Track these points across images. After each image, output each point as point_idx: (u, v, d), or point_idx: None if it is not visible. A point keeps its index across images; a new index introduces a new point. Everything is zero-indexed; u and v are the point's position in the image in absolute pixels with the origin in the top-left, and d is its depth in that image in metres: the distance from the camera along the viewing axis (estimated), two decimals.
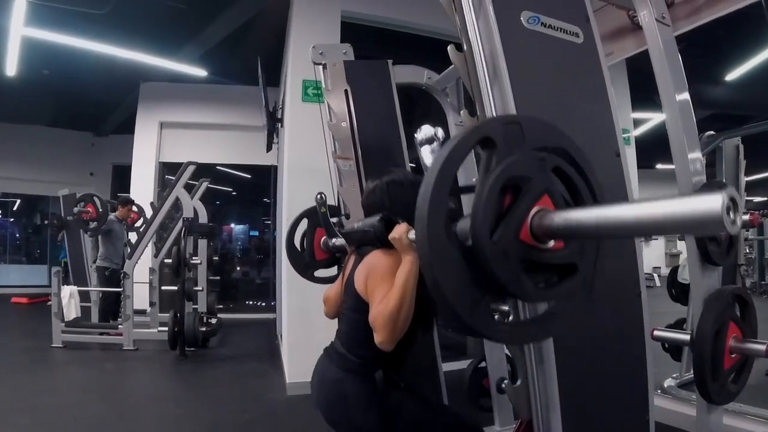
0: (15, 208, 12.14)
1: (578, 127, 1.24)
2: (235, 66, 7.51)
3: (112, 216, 6.54)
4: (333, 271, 2.87)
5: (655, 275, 10.87)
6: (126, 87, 8.37)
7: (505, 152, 0.88)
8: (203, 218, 6.51)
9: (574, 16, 1.40)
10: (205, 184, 7.09)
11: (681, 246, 10.96)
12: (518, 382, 1.25)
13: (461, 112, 1.33)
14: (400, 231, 1.49)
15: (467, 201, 0.92)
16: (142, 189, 8.19)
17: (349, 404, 1.64)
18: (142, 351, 5.57)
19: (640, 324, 1.40)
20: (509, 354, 2.74)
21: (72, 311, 5.80)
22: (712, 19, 2.53)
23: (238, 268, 11.45)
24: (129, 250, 6.21)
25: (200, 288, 6.09)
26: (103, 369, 4.91)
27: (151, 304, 6.54)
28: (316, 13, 4.60)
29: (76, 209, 6.39)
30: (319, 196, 2.60)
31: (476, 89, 1.35)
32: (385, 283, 1.52)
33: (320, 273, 2.92)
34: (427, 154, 2.84)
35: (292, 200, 4.31)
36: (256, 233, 12.25)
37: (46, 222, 9.79)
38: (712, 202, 0.57)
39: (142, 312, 6.41)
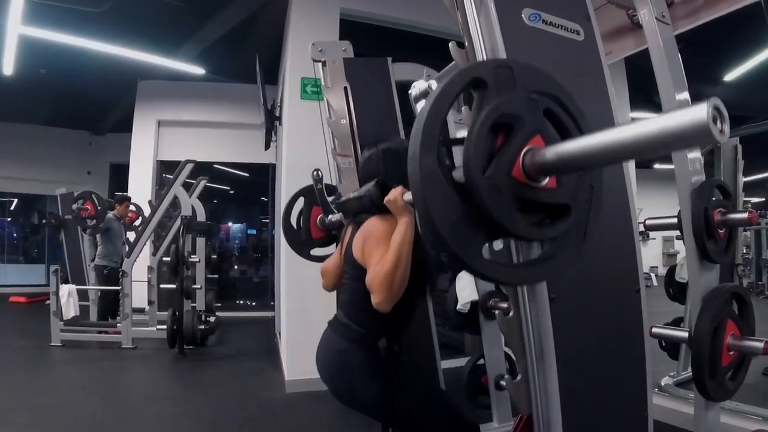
0: (12, 208, 12.11)
1: None
2: (234, 64, 7.49)
3: (110, 214, 6.52)
4: (330, 250, 2.88)
5: (653, 275, 10.88)
6: (123, 85, 8.34)
7: (496, 94, 0.89)
8: (201, 216, 6.50)
9: (575, 13, 1.41)
10: (203, 183, 7.09)
11: (678, 246, 10.97)
12: (518, 378, 1.25)
13: (462, 109, 1.34)
14: (395, 193, 1.52)
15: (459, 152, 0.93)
16: (140, 188, 8.17)
17: (352, 375, 1.66)
18: (140, 349, 5.57)
19: (639, 321, 1.41)
20: (507, 351, 2.77)
21: (71, 310, 5.80)
22: (711, 19, 2.54)
23: (236, 267, 11.45)
24: (128, 248, 6.21)
25: (199, 286, 6.08)
26: (102, 367, 4.90)
27: (150, 302, 6.54)
28: (314, 11, 4.60)
29: (74, 206, 6.38)
30: (315, 172, 2.58)
31: None
32: (382, 246, 1.54)
33: (317, 252, 2.91)
34: None
35: None
36: (254, 232, 12.25)
37: (43, 221, 9.77)
38: (697, 113, 0.58)
39: (141, 310, 6.40)
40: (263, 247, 10.97)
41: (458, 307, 2.76)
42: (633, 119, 0.75)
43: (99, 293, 6.47)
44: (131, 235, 6.83)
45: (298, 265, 4.32)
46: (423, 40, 5.03)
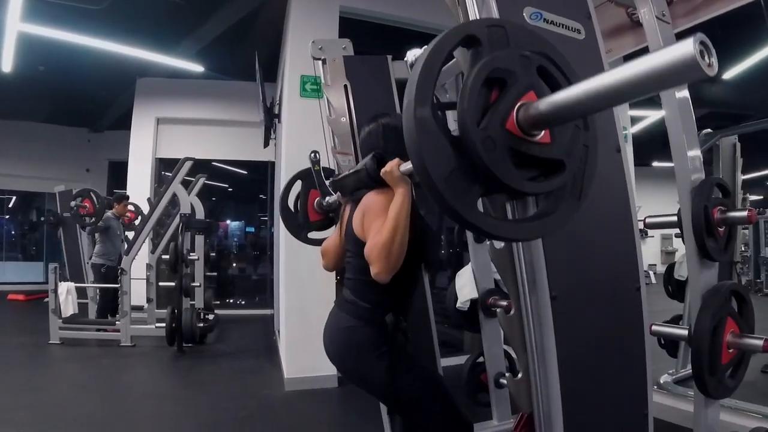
0: (11, 205, 12.11)
1: None
2: (233, 62, 7.49)
3: (109, 213, 6.54)
4: (327, 234, 2.88)
5: (651, 272, 10.90)
6: (122, 83, 8.34)
7: (489, 51, 0.90)
8: (200, 214, 6.51)
9: (576, 12, 1.41)
10: (202, 180, 7.09)
11: (676, 243, 10.99)
12: (519, 376, 1.26)
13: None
14: (392, 164, 1.54)
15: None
16: (139, 185, 8.18)
17: (360, 352, 1.67)
18: (139, 347, 5.58)
19: (639, 319, 1.41)
20: (507, 349, 2.77)
21: (69, 308, 5.80)
22: (710, 18, 2.54)
23: (234, 265, 11.46)
24: (126, 246, 6.21)
25: (197, 284, 6.09)
26: (101, 365, 4.91)
27: (149, 300, 6.54)
28: (314, 9, 4.59)
29: (73, 203, 6.38)
30: (312, 154, 2.57)
31: None
32: (380, 218, 1.55)
33: (314, 235, 2.90)
34: None
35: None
36: (253, 229, 12.25)
37: (42, 219, 9.77)
38: (685, 47, 0.59)
39: (140, 308, 6.40)
40: (262, 245, 10.99)
41: (458, 304, 2.76)
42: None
43: (98, 292, 6.47)
44: (130, 235, 6.83)
45: (298, 263, 4.34)
46: (423, 38, 5.01)
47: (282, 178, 4.66)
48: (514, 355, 2.58)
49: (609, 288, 1.37)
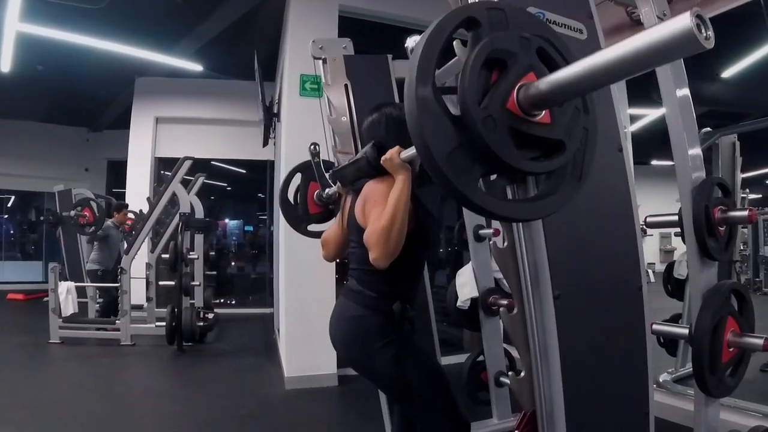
0: (10, 205, 12.10)
1: None
2: (232, 61, 7.47)
3: (109, 222, 6.60)
4: (327, 226, 2.89)
5: (650, 271, 10.86)
6: (121, 82, 8.32)
7: (489, 33, 0.91)
8: (200, 213, 6.51)
9: (578, 12, 1.41)
10: (201, 179, 7.08)
11: (675, 242, 11.00)
12: (522, 374, 1.26)
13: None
14: (392, 152, 1.54)
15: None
16: (138, 184, 8.17)
17: (365, 340, 1.67)
18: (139, 346, 5.58)
19: (641, 318, 1.42)
20: (507, 348, 2.78)
21: (69, 307, 5.79)
22: (710, 17, 2.55)
23: (233, 263, 11.46)
24: (126, 246, 6.22)
25: (197, 283, 6.09)
26: (101, 364, 4.90)
27: (148, 299, 6.54)
28: (313, 8, 4.58)
29: (73, 213, 6.42)
30: (312, 146, 2.57)
31: None
32: (380, 206, 1.55)
33: (314, 228, 2.91)
34: None
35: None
36: (251, 228, 12.26)
37: (41, 218, 9.76)
38: (682, 21, 0.60)
39: (140, 307, 6.40)
40: (260, 244, 10.99)
41: (458, 303, 2.77)
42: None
43: (97, 292, 6.49)
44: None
45: (298, 262, 4.35)
46: None
47: (281, 177, 4.66)
48: (514, 354, 2.59)
49: (611, 287, 1.38)
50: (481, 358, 2.84)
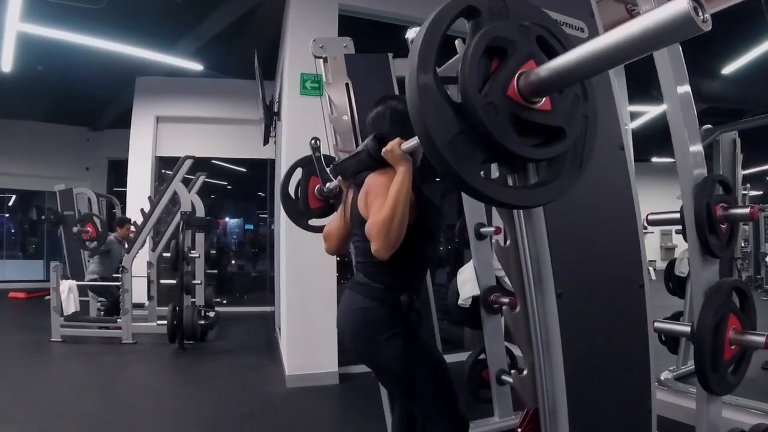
0: (11, 204, 12.11)
1: None
2: (232, 60, 7.47)
3: (111, 236, 6.64)
4: (328, 221, 2.89)
5: (651, 268, 10.84)
6: (121, 81, 8.33)
7: (489, 21, 0.91)
8: (200, 212, 6.52)
9: (579, 11, 1.41)
10: (202, 178, 7.08)
11: (676, 240, 10.98)
12: (524, 372, 1.26)
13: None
14: (393, 143, 1.55)
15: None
16: (139, 183, 8.19)
17: (372, 331, 1.68)
18: (140, 345, 5.59)
19: (643, 316, 1.42)
20: (508, 346, 2.78)
21: (71, 305, 5.80)
22: (710, 13, 2.54)
23: (234, 262, 11.47)
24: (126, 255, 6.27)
25: (198, 281, 6.09)
26: (102, 363, 4.91)
27: (150, 297, 6.54)
28: (313, 7, 4.57)
29: (75, 229, 6.47)
30: (313, 141, 2.57)
31: None
32: (381, 198, 1.55)
33: (314, 222, 2.91)
34: None
35: None
36: (252, 227, 12.26)
37: (42, 217, 9.77)
38: (679, 5, 0.61)
39: (141, 306, 6.41)
40: (260, 243, 10.99)
41: (459, 301, 2.77)
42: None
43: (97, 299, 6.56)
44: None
45: (299, 260, 4.35)
46: None
47: (282, 176, 4.66)
48: (515, 352, 2.59)
49: (613, 285, 1.38)
50: (482, 356, 2.84)
